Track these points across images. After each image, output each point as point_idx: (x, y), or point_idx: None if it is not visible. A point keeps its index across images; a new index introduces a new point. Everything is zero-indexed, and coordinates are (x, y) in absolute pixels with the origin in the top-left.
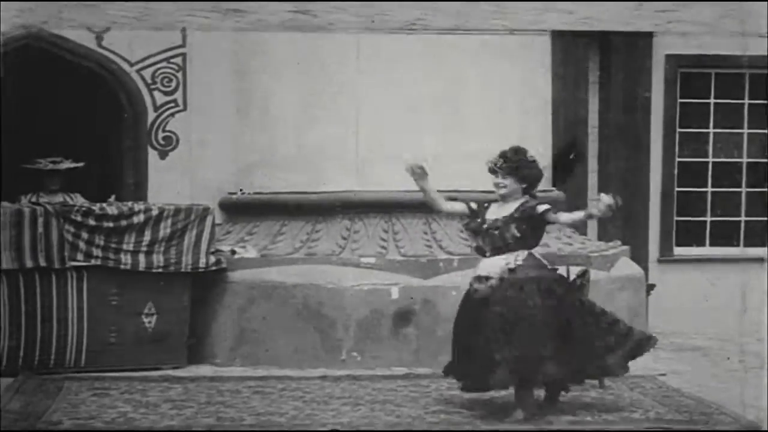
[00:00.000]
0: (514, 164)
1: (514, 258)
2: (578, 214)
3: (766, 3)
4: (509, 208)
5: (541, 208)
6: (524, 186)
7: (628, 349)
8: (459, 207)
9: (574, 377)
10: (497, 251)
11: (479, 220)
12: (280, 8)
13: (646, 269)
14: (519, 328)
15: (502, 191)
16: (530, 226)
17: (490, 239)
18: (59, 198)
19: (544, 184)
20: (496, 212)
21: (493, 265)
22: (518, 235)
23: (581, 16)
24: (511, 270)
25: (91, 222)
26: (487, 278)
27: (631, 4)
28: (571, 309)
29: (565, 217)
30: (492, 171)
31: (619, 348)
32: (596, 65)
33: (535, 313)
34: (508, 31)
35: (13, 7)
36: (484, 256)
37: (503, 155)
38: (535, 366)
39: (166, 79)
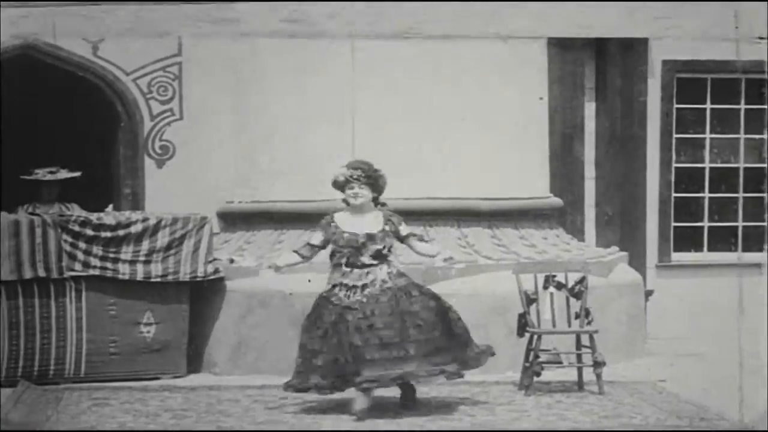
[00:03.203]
0: (375, 176)
1: (387, 268)
2: (432, 249)
3: (762, 4)
4: (371, 219)
5: (404, 231)
6: (375, 195)
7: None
8: (294, 257)
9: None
10: (371, 262)
11: (336, 233)
12: (273, 17)
13: (644, 275)
14: (403, 332)
15: (360, 200)
16: (392, 240)
17: (366, 250)
18: (56, 208)
19: (542, 189)
20: (355, 224)
21: (371, 274)
22: (386, 247)
23: (577, 22)
24: (397, 277)
25: (89, 232)
26: (365, 286)
27: (627, 10)
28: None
29: (420, 247)
30: (347, 181)
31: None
32: (592, 71)
33: (416, 318)
34: (504, 37)
35: (9, 17)
36: (354, 266)
37: (358, 167)
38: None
39: (162, 88)
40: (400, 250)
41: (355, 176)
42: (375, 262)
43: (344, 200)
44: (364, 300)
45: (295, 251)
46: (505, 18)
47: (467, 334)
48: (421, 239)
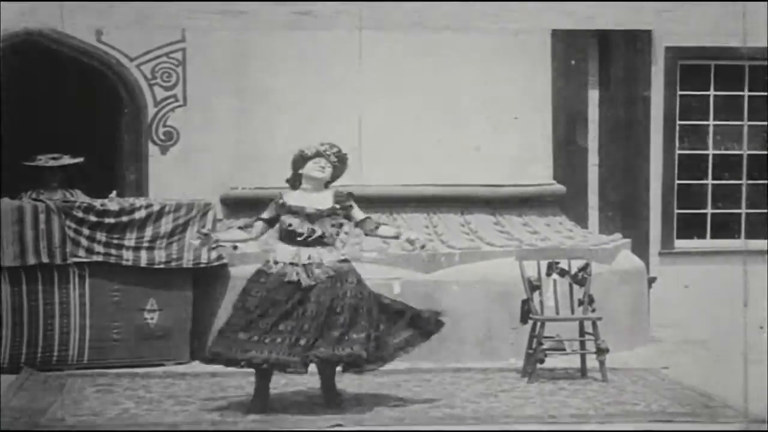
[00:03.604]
0: (343, 158)
1: (339, 249)
2: (391, 231)
3: (765, 3)
4: (321, 197)
5: (359, 214)
6: (329, 180)
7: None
8: (239, 234)
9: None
10: (318, 240)
11: (284, 208)
12: (280, 9)
13: (647, 262)
14: (345, 315)
15: (323, 175)
16: (340, 221)
17: (319, 227)
18: (59, 194)
19: (546, 177)
20: (308, 200)
21: (321, 254)
22: (337, 228)
23: (581, 15)
24: (342, 261)
25: (93, 218)
26: (319, 265)
27: (630, 3)
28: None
29: (380, 230)
30: (317, 155)
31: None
32: (596, 58)
33: (357, 302)
34: (509, 29)
35: (14, 6)
36: (300, 244)
37: (334, 145)
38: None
39: (166, 74)
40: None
41: (328, 152)
42: (323, 241)
43: (291, 180)
44: (323, 280)
45: (241, 227)
46: (510, 9)
47: (379, 328)
48: (378, 224)
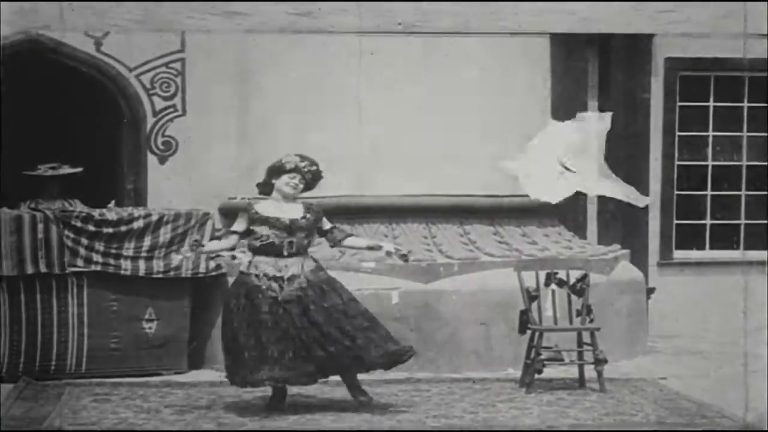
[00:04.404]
0: (318, 177)
1: (311, 259)
2: (363, 242)
3: (766, 3)
4: (292, 208)
5: (327, 224)
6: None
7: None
8: (218, 244)
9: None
10: (297, 251)
11: (258, 219)
12: (280, 10)
13: (646, 273)
14: (328, 327)
15: (295, 192)
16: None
17: (296, 238)
18: (58, 204)
19: None
20: (282, 211)
21: (297, 265)
22: (309, 238)
23: (580, 17)
24: (318, 270)
25: (91, 228)
26: (293, 278)
27: (630, 4)
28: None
29: (349, 241)
30: (295, 169)
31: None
32: (595, 68)
33: (338, 312)
34: (508, 33)
35: (13, 10)
36: (278, 255)
37: (314, 163)
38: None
39: (165, 84)
40: (405, 246)
41: (306, 169)
42: (298, 251)
43: (261, 185)
44: (300, 294)
45: (216, 238)
46: (510, 14)
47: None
48: (348, 234)
